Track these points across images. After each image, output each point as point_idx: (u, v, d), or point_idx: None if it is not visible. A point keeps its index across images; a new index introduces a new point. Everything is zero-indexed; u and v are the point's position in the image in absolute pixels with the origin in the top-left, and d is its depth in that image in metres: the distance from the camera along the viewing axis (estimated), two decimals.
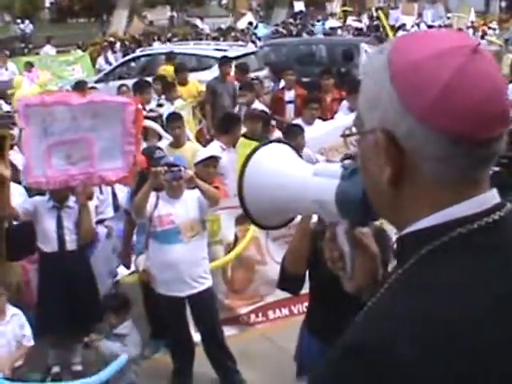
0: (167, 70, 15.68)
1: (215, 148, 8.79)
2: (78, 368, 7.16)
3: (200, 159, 7.51)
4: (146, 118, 9.26)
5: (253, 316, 7.99)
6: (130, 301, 6.75)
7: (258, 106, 11.77)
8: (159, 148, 8.08)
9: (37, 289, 7.16)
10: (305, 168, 1.84)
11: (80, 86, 13.25)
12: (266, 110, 11.67)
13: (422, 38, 1.40)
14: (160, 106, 11.94)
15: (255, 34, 32.37)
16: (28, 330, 6.34)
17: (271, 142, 1.99)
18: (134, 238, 7.58)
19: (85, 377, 6.62)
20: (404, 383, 1.21)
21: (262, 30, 34.50)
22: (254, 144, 2.06)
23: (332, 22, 36.43)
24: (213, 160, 7.61)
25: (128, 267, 7.71)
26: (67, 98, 6.92)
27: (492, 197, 1.38)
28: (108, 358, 6.15)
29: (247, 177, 1.90)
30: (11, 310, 6.28)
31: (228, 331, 7.45)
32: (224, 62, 14.24)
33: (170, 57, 17.27)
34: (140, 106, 7.66)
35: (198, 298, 6.70)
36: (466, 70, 1.30)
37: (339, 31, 32.79)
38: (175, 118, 9.66)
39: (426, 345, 1.22)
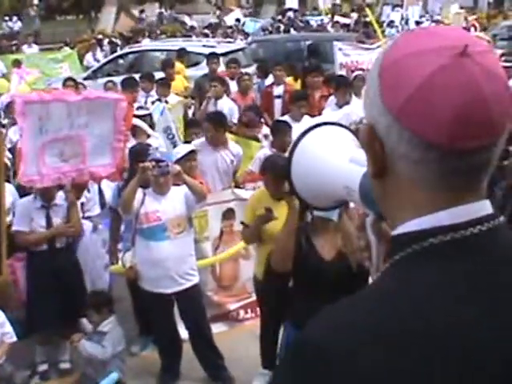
0: (178, 66, 15.56)
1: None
2: (66, 366, 7.15)
3: (181, 155, 7.49)
4: (135, 116, 9.25)
5: (242, 312, 8.00)
6: (112, 298, 6.75)
7: (226, 101, 11.82)
8: (149, 145, 8.05)
9: (26, 287, 7.17)
10: (345, 153, 1.85)
11: (69, 83, 13.19)
12: (234, 106, 11.74)
13: (418, 35, 1.35)
14: (153, 103, 11.87)
15: (243, 31, 32.32)
16: (8, 327, 6.29)
17: (321, 124, 2.01)
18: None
19: (72, 375, 6.67)
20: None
21: (250, 26, 34.44)
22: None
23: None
24: (193, 154, 7.62)
25: (113, 263, 7.69)
26: (64, 95, 6.97)
27: (479, 208, 1.31)
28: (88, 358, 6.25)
29: (295, 158, 1.95)
30: None
31: (217, 328, 7.47)
32: (211, 58, 14.23)
33: (180, 53, 17.11)
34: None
35: (184, 295, 6.71)
36: (447, 72, 1.24)
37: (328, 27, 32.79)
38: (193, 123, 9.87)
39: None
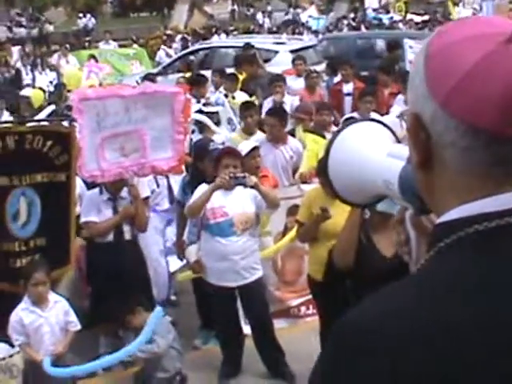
0: None
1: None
2: (129, 358, 7.21)
3: (244, 153, 7.48)
4: (201, 112, 9.31)
5: (303, 308, 7.97)
6: (139, 296, 6.79)
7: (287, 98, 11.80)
8: (212, 140, 8.10)
9: (90, 278, 7.30)
10: (383, 148, 1.85)
11: (149, 78, 13.31)
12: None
13: (464, 23, 1.34)
14: (226, 96, 11.91)
15: (310, 28, 32.27)
16: (73, 316, 6.41)
17: (358, 120, 2.01)
18: None
19: (134, 366, 6.76)
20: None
21: (314, 23, 34.31)
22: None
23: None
24: (256, 150, 7.59)
25: (182, 259, 7.79)
26: (120, 91, 7.02)
27: None
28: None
29: (332, 155, 1.94)
30: (54, 297, 6.36)
31: (278, 324, 7.45)
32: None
33: (246, 48, 17.13)
34: (189, 97, 7.74)
35: (248, 289, 6.75)
36: (494, 58, 1.23)
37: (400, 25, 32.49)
38: (248, 106, 9.75)
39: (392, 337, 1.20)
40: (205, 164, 7.31)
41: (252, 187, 6.45)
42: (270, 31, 33.40)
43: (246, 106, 9.74)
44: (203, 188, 6.63)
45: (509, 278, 1.22)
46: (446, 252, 1.29)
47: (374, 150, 1.86)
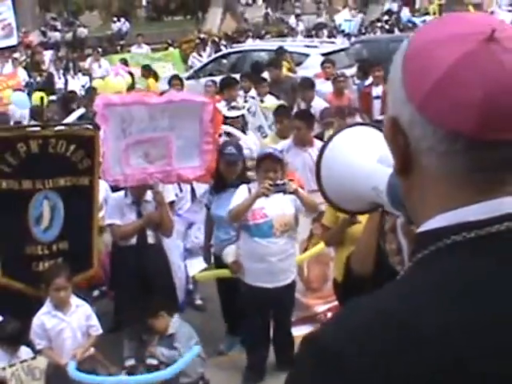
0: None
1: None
2: (154, 362, 7.19)
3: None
4: (227, 117, 9.26)
5: (329, 314, 7.89)
6: (162, 300, 6.77)
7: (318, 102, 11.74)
8: (240, 146, 8.03)
9: (113, 281, 7.31)
10: (374, 154, 1.79)
11: (175, 82, 13.30)
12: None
13: (444, 21, 1.28)
14: (246, 101, 11.91)
15: (343, 31, 32.19)
16: (95, 320, 6.43)
17: (352, 125, 1.96)
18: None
19: (160, 371, 6.74)
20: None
21: (346, 25, 34.23)
22: None
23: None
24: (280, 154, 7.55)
25: (208, 262, 7.76)
26: (145, 98, 6.99)
27: (507, 205, 1.20)
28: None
29: (324, 162, 1.91)
30: (76, 301, 6.37)
31: (304, 330, 7.37)
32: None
33: (279, 52, 17.07)
34: (218, 106, 7.70)
35: (281, 290, 6.75)
36: (473, 58, 1.16)
37: None
38: (282, 110, 9.74)
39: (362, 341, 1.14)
40: (220, 167, 7.29)
41: (291, 193, 6.43)
42: (304, 34, 33.35)
43: (279, 110, 9.72)
44: (243, 192, 6.66)
45: (493, 286, 1.16)
46: (423, 264, 1.23)
47: (365, 156, 1.80)
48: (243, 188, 6.73)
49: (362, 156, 1.82)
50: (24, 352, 6.13)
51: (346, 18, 37.64)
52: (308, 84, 12.36)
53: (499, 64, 1.16)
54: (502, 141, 1.17)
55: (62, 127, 7.44)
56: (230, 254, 7.03)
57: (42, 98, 7.67)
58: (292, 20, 41.20)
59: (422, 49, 1.22)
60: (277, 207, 6.62)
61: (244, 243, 6.80)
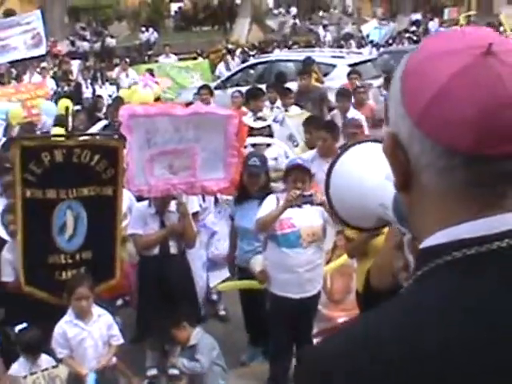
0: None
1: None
2: (175, 372, 7.19)
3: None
4: (252, 128, 9.24)
5: None
6: (184, 310, 6.76)
7: (352, 113, 11.66)
8: (264, 156, 8.02)
9: (137, 291, 7.29)
10: (382, 170, 1.77)
11: (203, 92, 13.30)
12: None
13: (442, 36, 1.28)
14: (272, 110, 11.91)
15: (372, 42, 32.14)
16: (116, 330, 6.43)
17: (361, 142, 1.95)
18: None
19: (181, 381, 6.75)
20: None
21: (375, 33, 34.14)
22: None
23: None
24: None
25: (233, 273, 7.77)
26: (170, 110, 7.00)
27: (507, 221, 1.19)
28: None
29: (333, 179, 1.90)
30: (98, 311, 6.38)
31: None
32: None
33: (307, 62, 17.02)
34: (244, 119, 7.71)
35: (307, 301, 6.76)
36: (470, 73, 1.15)
37: None
38: (313, 121, 9.76)
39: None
40: (244, 178, 7.30)
41: (319, 204, 6.40)
42: (331, 45, 33.34)
43: (309, 120, 9.71)
44: (271, 202, 6.65)
45: (494, 303, 1.15)
46: (423, 281, 1.22)
47: (373, 172, 1.79)
48: (271, 198, 6.73)
49: (371, 172, 1.80)
50: (45, 360, 6.15)
51: (376, 26, 37.54)
52: (346, 94, 12.28)
53: (497, 77, 1.15)
54: (501, 155, 1.16)
55: (87, 137, 7.45)
56: (257, 263, 7.03)
57: (67, 108, 7.66)
58: (320, 31, 41.21)
59: (420, 64, 1.22)
60: (305, 218, 6.61)
61: (271, 253, 6.78)
